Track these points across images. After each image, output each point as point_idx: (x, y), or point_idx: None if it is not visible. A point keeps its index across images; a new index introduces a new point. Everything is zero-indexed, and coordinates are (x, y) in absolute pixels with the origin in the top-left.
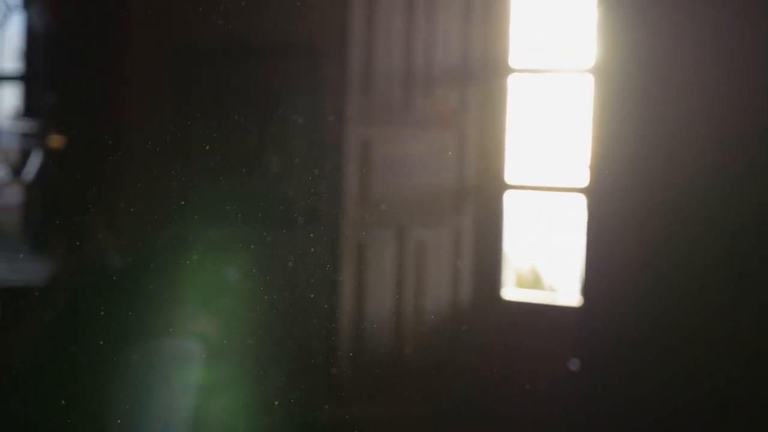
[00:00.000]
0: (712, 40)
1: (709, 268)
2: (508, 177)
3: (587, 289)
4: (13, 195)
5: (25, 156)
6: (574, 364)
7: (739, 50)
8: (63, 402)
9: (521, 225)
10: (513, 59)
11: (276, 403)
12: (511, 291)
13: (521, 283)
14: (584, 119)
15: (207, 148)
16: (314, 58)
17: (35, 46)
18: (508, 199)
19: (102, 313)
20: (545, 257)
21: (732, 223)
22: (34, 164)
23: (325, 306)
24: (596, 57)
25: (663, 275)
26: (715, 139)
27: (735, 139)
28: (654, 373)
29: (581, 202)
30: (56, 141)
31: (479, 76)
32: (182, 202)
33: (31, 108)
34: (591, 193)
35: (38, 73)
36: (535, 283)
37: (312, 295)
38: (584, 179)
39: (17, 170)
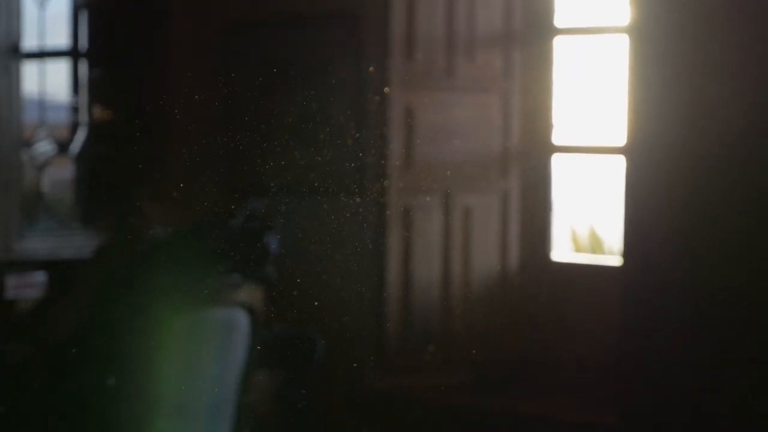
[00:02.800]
0: None
1: (747, 225)
2: (556, 139)
3: (628, 249)
4: (61, 169)
5: (72, 131)
6: (619, 326)
7: None
8: (110, 372)
9: (576, 187)
10: (558, 20)
11: (324, 371)
12: (562, 253)
13: (579, 248)
14: (627, 78)
15: (251, 118)
16: (356, 25)
17: (80, 22)
18: (560, 161)
19: (149, 283)
20: (603, 220)
21: None
22: (80, 139)
23: (372, 273)
24: (632, 16)
25: (702, 233)
26: (754, 97)
27: None
28: (700, 334)
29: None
30: (102, 115)
31: (523, 38)
32: (228, 172)
33: (77, 83)
34: (629, 152)
35: (84, 48)
36: (595, 246)
37: (358, 263)
38: (619, 139)
39: (65, 145)
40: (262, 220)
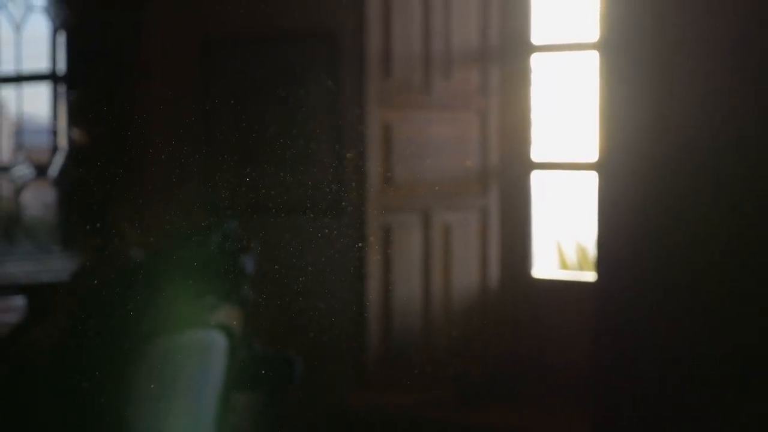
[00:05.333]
0: (719, 7)
1: (720, 238)
2: (535, 156)
3: (601, 264)
4: (39, 192)
5: (51, 154)
6: (596, 341)
7: (747, 16)
8: (87, 395)
9: (562, 204)
10: (534, 37)
11: (305, 391)
12: (542, 269)
13: (566, 264)
14: (597, 95)
15: (229, 138)
16: (333, 44)
17: (58, 45)
18: (545, 178)
19: (127, 305)
20: (590, 236)
21: (745, 195)
22: (59, 162)
23: (352, 291)
24: (601, 32)
25: (674, 246)
26: (724, 111)
27: (746, 108)
28: (675, 347)
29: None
30: (81, 138)
31: (500, 56)
32: (206, 193)
33: (55, 106)
34: (601, 168)
35: (61, 71)
36: (582, 262)
37: (338, 281)
38: (594, 155)
39: (43, 168)
40: (239, 241)
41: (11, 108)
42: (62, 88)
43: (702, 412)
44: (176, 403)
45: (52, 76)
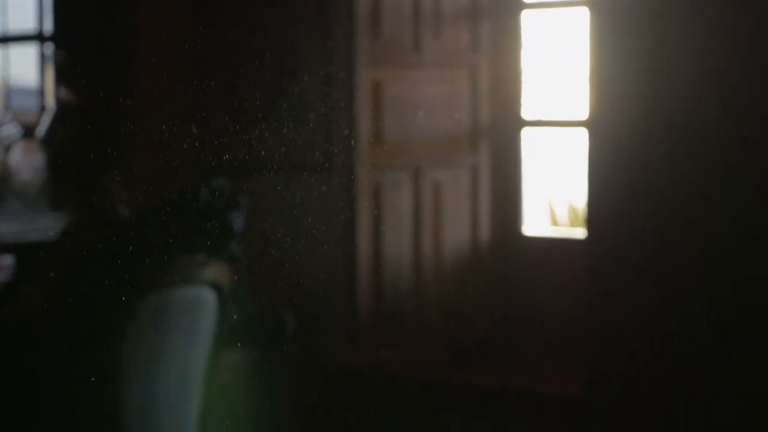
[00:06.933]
0: None
1: (710, 197)
2: (526, 113)
3: (591, 222)
4: (27, 153)
5: (39, 114)
6: (586, 298)
7: None
8: (78, 354)
9: (553, 162)
10: None
11: (295, 348)
12: (534, 227)
13: (557, 222)
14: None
15: (219, 97)
16: (322, 2)
17: (45, 4)
18: (536, 135)
19: (116, 264)
20: (581, 194)
21: (736, 152)
22: (47, 122)
23: (342, 250)
24: None
25: (663, 205)
26: (716, 69)
27: (738, 69)
28: (665, 305)
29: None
30: (69, 98)
31: (490, 13)
32: (195, 152)
33: (43, 66)
34: (591, 126)
35: (50, 30)
36: (574, 220)
37: (328, 241)
38: (584, 113)
39: (31, 129)
40: (228, 198)
41: None
42: (50, 49)
43: (691, 368)
44: (167, 361)
45: (39, 37)
